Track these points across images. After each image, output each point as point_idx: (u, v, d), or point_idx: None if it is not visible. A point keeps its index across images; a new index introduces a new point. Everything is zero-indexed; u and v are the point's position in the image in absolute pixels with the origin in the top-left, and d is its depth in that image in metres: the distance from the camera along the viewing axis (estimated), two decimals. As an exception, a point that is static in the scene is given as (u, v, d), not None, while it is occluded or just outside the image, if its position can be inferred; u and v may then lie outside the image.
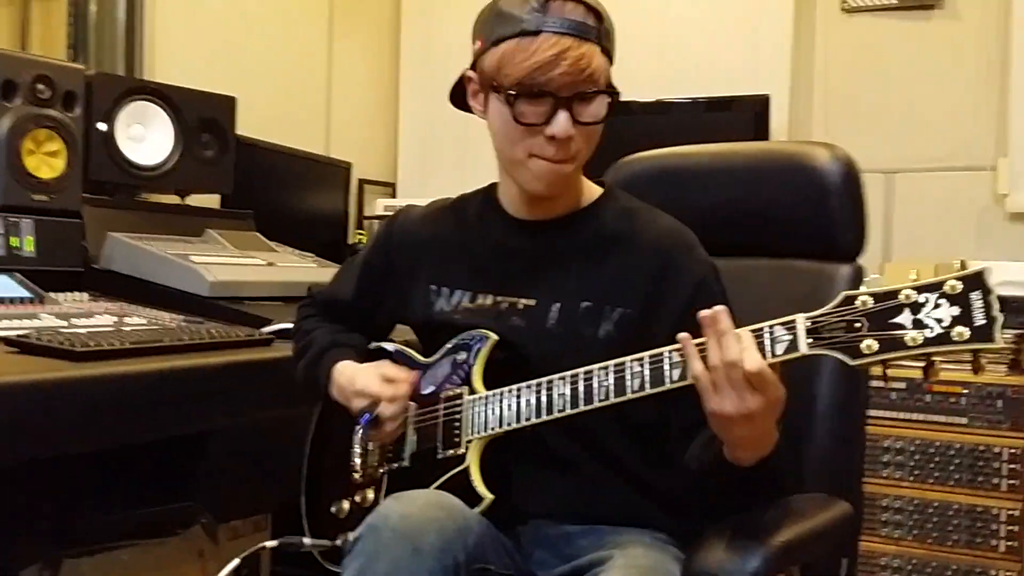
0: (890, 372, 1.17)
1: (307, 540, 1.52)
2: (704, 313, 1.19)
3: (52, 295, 2.00)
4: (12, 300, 1.90)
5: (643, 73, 3.47)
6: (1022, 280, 2.79)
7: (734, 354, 1.16)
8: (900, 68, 3.28)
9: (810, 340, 1.15)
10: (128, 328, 1.78)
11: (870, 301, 1.13)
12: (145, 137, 2.45)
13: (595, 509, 1.44)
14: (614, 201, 1.55)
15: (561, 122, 1.36)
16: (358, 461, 1.51)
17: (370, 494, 1.52)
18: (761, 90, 3.23)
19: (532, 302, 1.47)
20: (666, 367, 1.25)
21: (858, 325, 1.13)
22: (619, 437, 1.44)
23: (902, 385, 2.71)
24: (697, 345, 1.21)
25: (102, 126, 2.32)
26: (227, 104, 2.62)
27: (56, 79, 2.14)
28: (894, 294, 1.11)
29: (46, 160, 2.13)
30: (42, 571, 1.74)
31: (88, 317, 1.85)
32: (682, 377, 1.23)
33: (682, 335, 1.22)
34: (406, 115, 3.96)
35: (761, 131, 3.16)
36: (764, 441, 1.26)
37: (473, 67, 1.46)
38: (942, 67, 3.22)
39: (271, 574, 2.32)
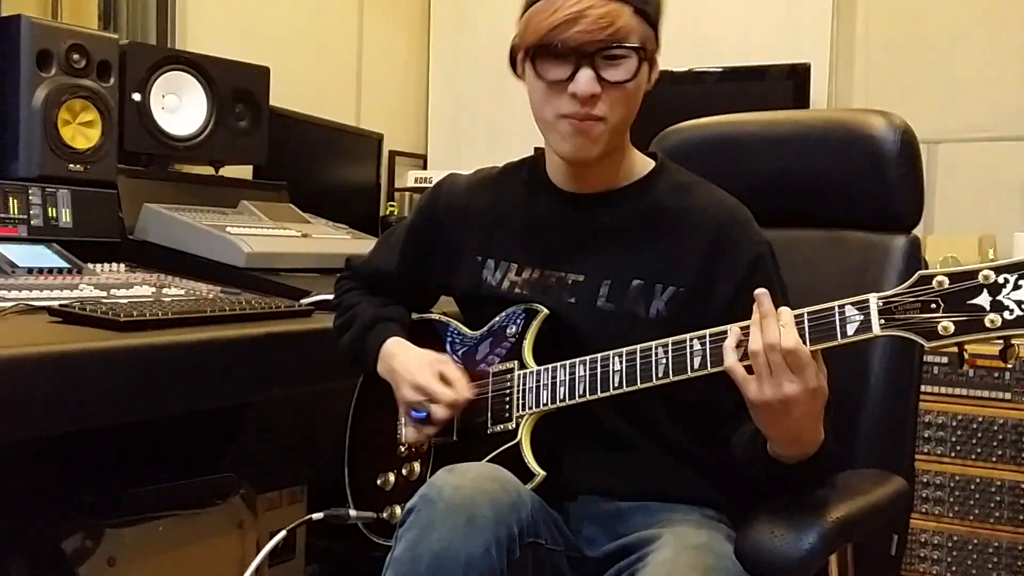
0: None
1: (352, 512, 1.51)
2: (756, 293, 1.18)
3: (90, 266, 2.00)
4: (51, 270, 1.90)
5: (677, 42, 3.42)
6: (1069, 250, 2.74)
7: (773, 335, 1.15)
8: (943, 35, 3.21)
9: (882, 320, 1.12)
10: (168, 299, 1.77)
11: (946, 281, 1.09)
12: (179, 108, 2.43)
13: (645, 486, 1.41)
14: (667, 175, 1.51)
15: (584, 79, 1.33)
16: (402, 435, 1.50)
17: (417, 467, 1.50)
18: (801, 59, 3.17)
19: (581, 277, 1.45)
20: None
21: (934, 306, 1.10)
22: (668, 414, 1.41)
23: (944, 359, 2.67)
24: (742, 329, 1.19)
25: (136, 96, 2.30)
26: (261, 74, 2.60)
27: (90, 49, 2.12)
28: (972, 274, 1.08)
29: (81, 130, 2.12)
30: (84, 541, 1.74)
31: (127, 288, 1.84)
32: (743, 356, 1.20)
33: (738, 324, 1.21)
34: (436, 87, 3.93)
35: (801, 100, 3.11)
36: (806, 437, 1.24)
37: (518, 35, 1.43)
38: (986, 34, 3.15)
39: (308, 546, 2.31)
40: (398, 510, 1.47)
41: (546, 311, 1.43)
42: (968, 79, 3.17)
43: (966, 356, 1.13)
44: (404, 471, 1.51)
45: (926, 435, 2.69)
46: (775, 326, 1.15)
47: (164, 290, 1.90)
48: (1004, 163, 3.11)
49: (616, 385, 1.32)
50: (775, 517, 1.25)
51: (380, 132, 3.48)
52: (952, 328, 1.08)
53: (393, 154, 3.70)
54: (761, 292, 1.18)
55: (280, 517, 2.24)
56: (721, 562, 1.25)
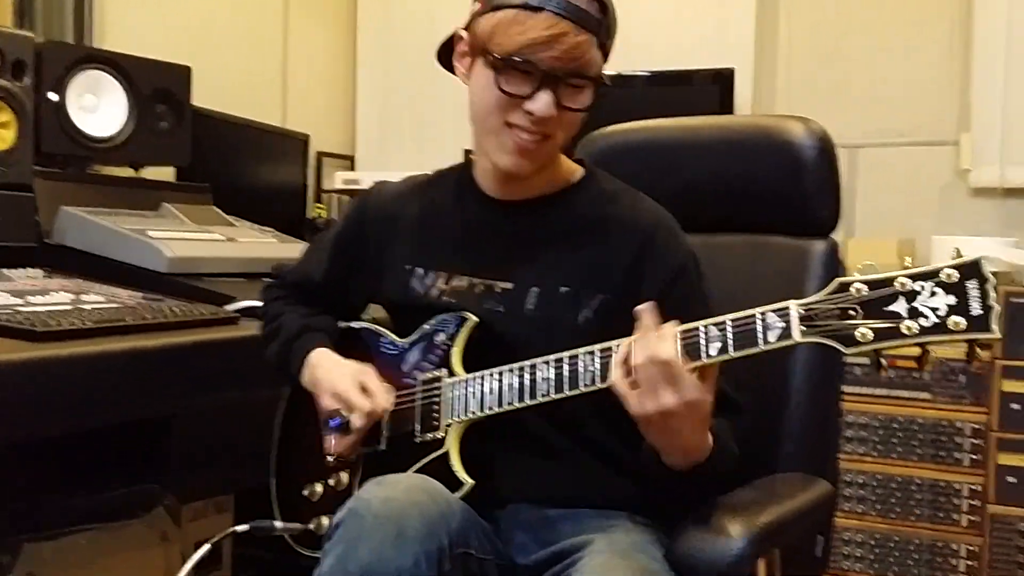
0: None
1: (279, 524, 1.49)
2: (635, 310, 1.21)
3: (5, 271, 1.93)
4: (-37, 277, 1.83)
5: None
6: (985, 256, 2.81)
7: (651, 349, 1.17)
8: (863, 41, 3.28)
9: (803, 327, 1.13)
10: (88, 307, 1.71)
11: (864, 288, 1.11)
12: (97, 108, 2.37)
13: (574, 492, 1.41)
14: (595, 183, 1.51)
15: (543, 100, 1.34)
16: (325, 444, 1.47)
17: (344, 477, 1.48)
18: (725, 64, 3.21)
19: (509, 285, 1.44)
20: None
21: (852, 313, 1.11)
22: (597, 420, 1.40)
23: (866, 360, 2.71)
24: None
25: (53, 96, 2.23)
26: (182, 73, 2.54)
27: (4, 47, 2.05)
28: (889, 282, 1.10)
29: (-5, 131, 2.04)
30: (1, 556, 1.68)
31: (44, 295, 1.78)
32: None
33: (628, 340, 1.22)
34: (364, 86, 3.89)
35: (726, 105, 3.15)
36: (692, 446, 1.26)
37: (467, 27, 1.41)
38: (905, 41, 3.23)
39: (235, 556, 2.27)
40: (325, 521, 1.45)
41: (475, 319, 1.42)
42: (888, 84, 3.24)
43: (883, 363, 1.14)
44: (331, 482, 1.49)
45: (848, 435, 2.74)
46: (653, 340, 1.18)
47: (83, 296, 1.84)
48: (923, 167, 3.20)
49: (544, 392, 1.31)
50: (704, 523, 1.27)
51: (307, 133, 3.43)
52: (871, 335, 1.10)
53: (320, 155, 3.65)
54: (642, 308, 1.20)
55: (207, 527, 2.20)
56: (653, 564, 1.26)
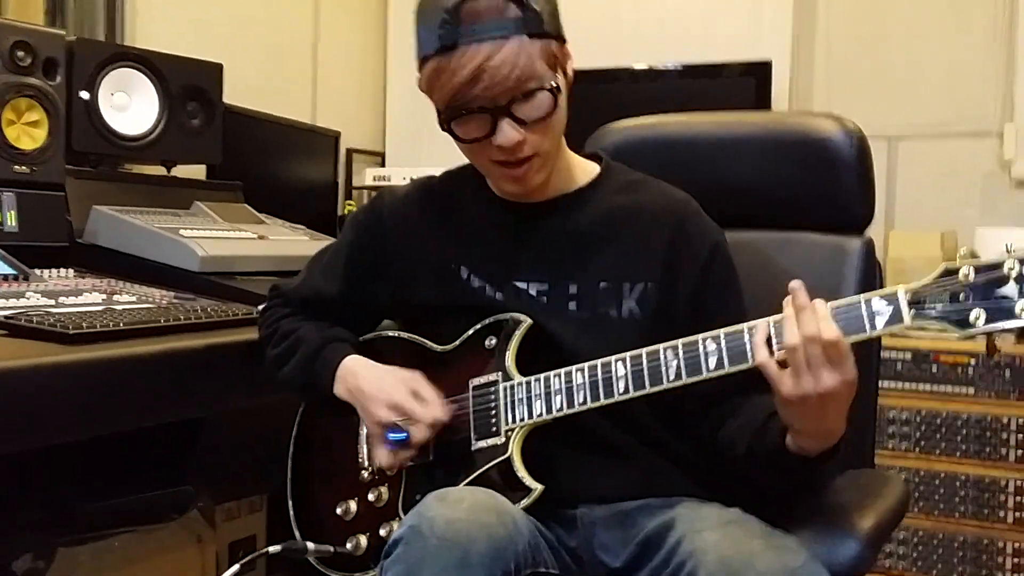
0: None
1: (311, 545, 1.43)
2: (790, 287, 1.16)
3: (37, 272, 1.92)
4: (-4, 277, 1.82)
5: (638, 39, 3.41)
6: (1028, 247, 2.75)
7: (812, 328, 1.12)
8: (903, 31, 3.22)
9: (912, 311, 1.12)
10: (120, 307, 1.70)
11: (972, 273, 1.10)
12: (129, 106, 2.35)
13: (643, 485, 1.38)
14: (613, 176, 1.50)
15: (504, 132, 1.30)
16: (368, 459, 1.44)
17: (385, 492, 1.42)
18: (762, 56, 3.15)
19: (546, 286, 1.42)
20: (748, 344, 1.19)
21: (963, 296, 1.10)
22: (650, 412, 1.37)
23: (908, 355, 2.67)
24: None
25: (84, 94, 2.22)
26: (213, 71, 2.52)
27: (36, 45, 2.04)
28: (998, 265, 1.09)
29: (27, 131, 2.04)
30: (35, 561, 1.67)
31: (76, 295, 1.77)
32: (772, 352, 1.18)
33: (766, 319, 1.18)
34: (394, 82, 3.87)
35: (762, 97, 3.09)
36: (835, 428, 1.20)
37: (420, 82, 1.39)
38: (946, 30, 3.16)
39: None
40: (364, 540, 1.40)
41: (530, 321, 1.38)
42: (928, 74, 3.18)
43: (998, 346, 1.17)
44: (370, 497, 1.43)
45: (890, 431, 2.69)
46: (813, 319, 1.13)
47: (115, 297, 1.83)
48: (964, 158, 3.13)
49: (622, 391, 1.27)
50: (822, 523, 1.27)
51: (337, 129, 3.41)
52: (984, 316, 1.09)
53: (350, 152, 3.64)
54: (796, 284, 1.15)
55: (241, 527, 2.19)
56: (764, 526, 1.22)
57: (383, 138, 3.89)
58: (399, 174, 3.42)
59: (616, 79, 3.19)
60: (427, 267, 1.47)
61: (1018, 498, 2.57)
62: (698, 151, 1.75)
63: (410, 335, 1.51)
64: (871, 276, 1.64)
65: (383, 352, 1.49)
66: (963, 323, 1.10)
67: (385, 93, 3.88)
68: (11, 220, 2.00)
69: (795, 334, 1.13)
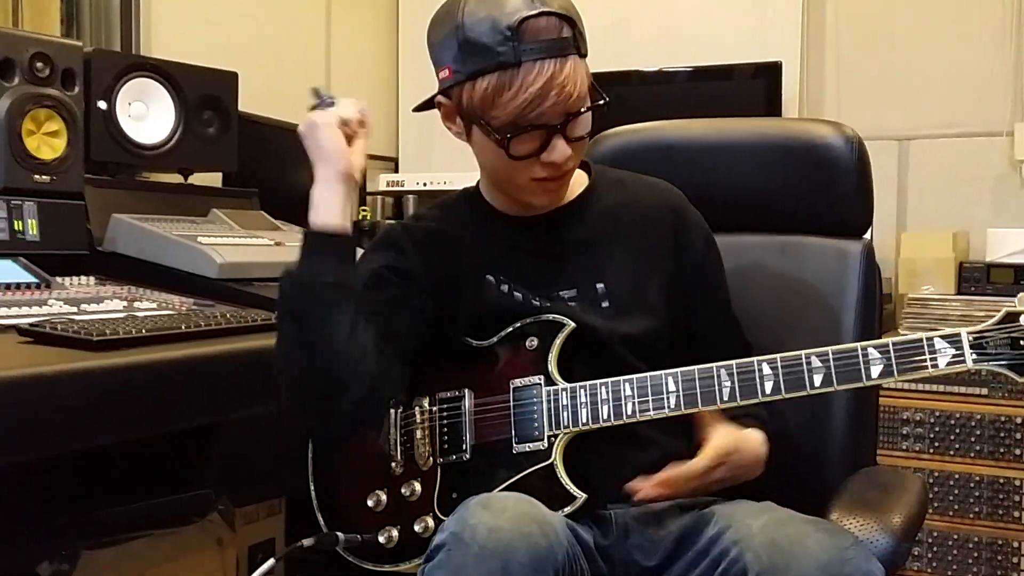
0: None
1: (342, 536, 1.42)
2: None
3: (58, 280, 1.95)
4: (18, 286, 1.84)
5: (648, 42, 3.42)
6: None
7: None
8: (913, 31, 3.22)
9: (975, 355, 1.17)
10: (141, 314, 1.73)
11: None
12: (146, 115, 2.38)
13: None
14: (603, 179, 1.54)
15: (558, 149, 1.33)
16: (398, 452, 1.44)
17: (418, 487, 1.41)
18: (772, 57, 3.17)
19: (573, 291, 1.43)
20: (805, 372, 1.23)
21: (1023, 342, 1.15)
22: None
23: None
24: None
25: (102, 104, 2.25)
26: (229, 80, 2.55)
27: (54, 57, 2.07)
28: None
29: (47, 140, 2.06)
30: (59, 565, 1.70)
31: (98, 302, 1.80)
32: (826, 383, 1.23)
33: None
34: (407, 89, 3.89)
35: (772, 100, 3.10)
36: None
37: (445, 93, 1.39)
38: (955, 30, 3.16)
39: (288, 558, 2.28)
40: (395, 533, 1.40)
41: (573, 324, 1.38)
42: (938, 74, 3.18)
43: None
44: (403, 491, 1.42)
45: (904, 432, 2.70)
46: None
47: (135, 304, 1.86)
48: (975, 158, 3.13)
49: (672, 407, 1.29)
50: (843, 522, 1.28)
51: (350, 136, 3.43)
52: None
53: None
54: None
55: (260, 530, 2.21)
56: (805, 516, 1.23)
57: (396, 144, 3.91)
58: (412, 179, 3.44)
59: (626, 82, 3.20)
60: (464, 279, 1.46)
61: (1032, 498, 2.58)
62: (698, 157, 1.77)
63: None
64: (872, 279, 1.67)
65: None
66: (1022, 370, 1.16)
67: (398, 100, 3.90)
68: (32, 229, 2.03)
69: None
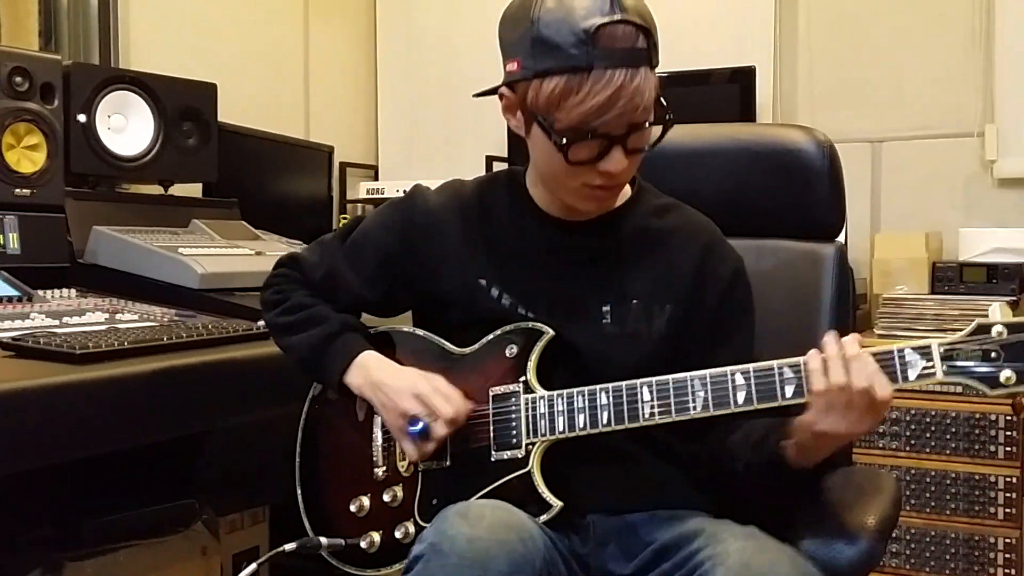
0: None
1: (324, 540, 1.44)
2: (830, 337, 1.20)
3: (40, 293, 1.96)
4: (0, 299, 1.86)
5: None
6: (1011, 247, 2.80)
7: (863, 381, 1.17)
8: (885, 35, 3.26)
9: (945, 367, 1.17)
10: (123, 326, 1.74)
11: (1005, 331, 1.15)
12: (126, 127, 2.40)
13: (653, 498, 1.40)
14: (646, 198, 1.52)
15: (615, 159, 1.31)
16: (381, 457, 1.45)
17: (400, 492, 1.42)
18: (746, 62, 3.20)
19: (581, 300, 1.43)
20: (777, 382, 1.23)
21: (994, 355, 1.15)
22: (664, 425, 1.36)
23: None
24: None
25: (82, 117, 2.26)
26: (208, 91, 2.57)
27: (33, 71, 2.09)
28: None
29: (26, 154, 2.09)
30: (44, 575, 1.70)
31: (80, 315, 1.81)
32: (797, 394, 1.22)
33: (812, 353, 1.21)
34: (385, 96, 3.91)
35: (746, 104, 3.14)
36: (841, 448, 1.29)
37: (510, 86, 1.36)
38: (927, 33, 3.20)
39: (272, 565, 2.29)
40: (377, 537, 1.42)
41: (551, 332, 1.39)
42: (910, 77, 3.22)
43: (1023, 403, 1.19)
44: (385, 497, 1.43)
45: (881, 430, 2.73)
46: (863, 371, 1.17)
47: (117, 316, 1.87)
48: (947, 159, 3.16)
49: (647, 416, 1.29)
50: (830, 521, 1.32)
51: (330, 144, 3.45)
52: (1014, 378, 1.14)
53: (344, 166, 3.67)
54: (853, 338, 1.20)
55: (244, 538, 2.22)
56: (787, 545, 1.24)
57: (376, 152, 3.93)
58: (392, 187, 3.45)
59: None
60: (455, 282, 1.47)
61: (1008, 494, 2.61)
62: (673, 162, 1.77)
63: (426, 333, 1.51)
64: (845, 281, 1.70)
65: (397, 346, 1.50)
66: (993, 383, 1.14)
67: (377, 107, 3.92)
68: (13, 242, 2.04)
69: (842, 379, 1.17)
